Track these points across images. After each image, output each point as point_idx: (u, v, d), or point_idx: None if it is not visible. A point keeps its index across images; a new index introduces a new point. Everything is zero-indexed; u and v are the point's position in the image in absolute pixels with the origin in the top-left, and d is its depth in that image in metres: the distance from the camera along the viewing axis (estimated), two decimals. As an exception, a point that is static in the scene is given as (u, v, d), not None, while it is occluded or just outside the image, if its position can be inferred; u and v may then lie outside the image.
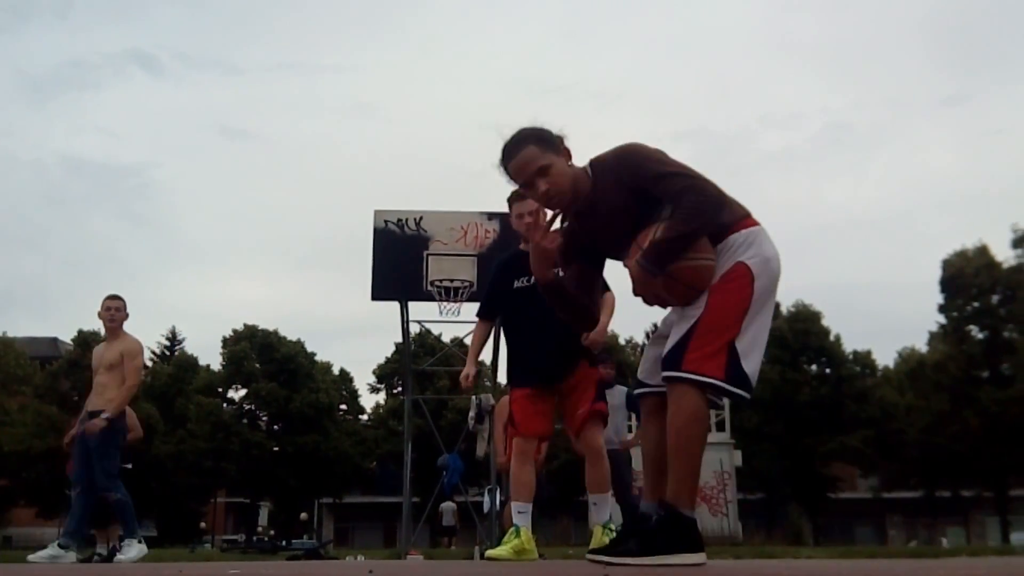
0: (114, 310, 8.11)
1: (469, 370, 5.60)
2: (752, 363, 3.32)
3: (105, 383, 8.03)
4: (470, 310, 12.86)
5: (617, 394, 9.43)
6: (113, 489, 7.76)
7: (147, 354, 54.62)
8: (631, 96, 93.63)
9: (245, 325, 47.31)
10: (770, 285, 3.38)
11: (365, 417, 49.50)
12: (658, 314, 3.67)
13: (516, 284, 5.44)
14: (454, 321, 12.82)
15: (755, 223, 3.44)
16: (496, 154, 3.80)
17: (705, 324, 3.32)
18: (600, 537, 5.42)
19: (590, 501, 5.63)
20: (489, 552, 5.25)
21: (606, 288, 5.34)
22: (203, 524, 49.31)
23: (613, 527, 5.54)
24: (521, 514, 5.30)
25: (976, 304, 38.18)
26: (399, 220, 12.75)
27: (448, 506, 22.62)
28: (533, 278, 5.21)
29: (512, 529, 5.27)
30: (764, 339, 3.38)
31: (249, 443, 43.28)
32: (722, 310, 3.33)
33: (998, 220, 73.11)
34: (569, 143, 3.69)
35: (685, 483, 3.32)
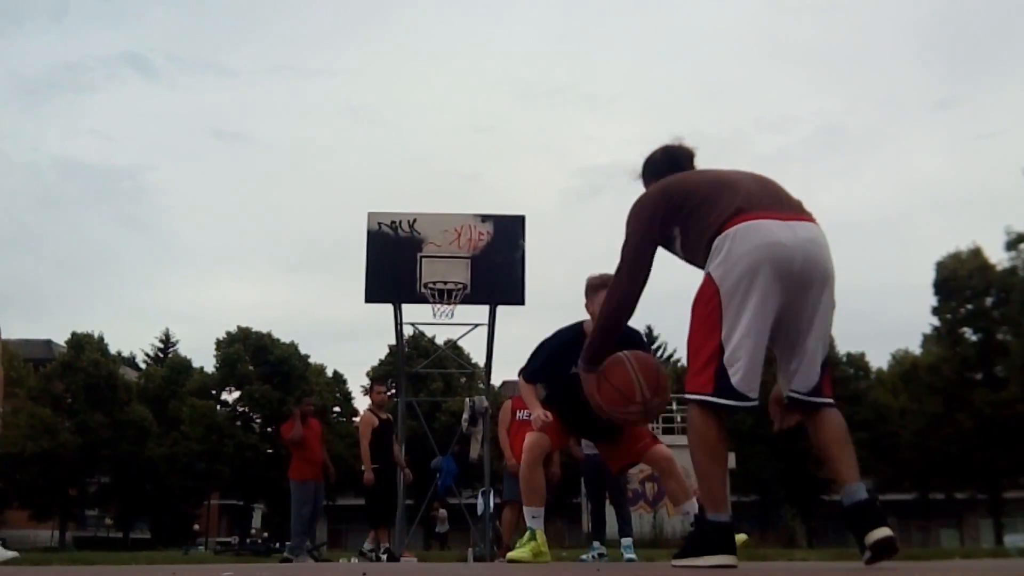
0: None
1: (541, 414, 5.39)
2: (740, 371, 3.36)
3: None
4: (463, 312, 12.88)
5: None
6: None
7: (141, 356, 54.74)
8: (625, 99, 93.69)
9: (239, 327, 47.22)
10: (744, 282, 3.36)
11: (359, 419, 49.32)
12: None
13: (575, 369, 5.39)
14: (448, 323, 12.83)
15: (733, 224, 3.44)
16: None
17: (689, 344, 3.54)
18: None
19: (680, 512, 5.78)
20: (510, 554, 5.38)
21: None
22: (197, 526, 49.29)
23: None
24: (535, 518, 5.43)
25: (970, 306, 38.21)
26: (393, 222, 12.73)
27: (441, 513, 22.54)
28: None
29: (528, 532, 5.39)
30: (754, 341, 3.37)
31: (243, 445, 43.22)
32: (695, 326, 3.50)
33: (991, 222, 73.14)
34: None
35: (703, 489, 3.48)
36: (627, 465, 5.86)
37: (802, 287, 3.43)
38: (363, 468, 11.00)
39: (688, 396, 3.46)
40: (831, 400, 3.65)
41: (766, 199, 3.54)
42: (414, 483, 12.50)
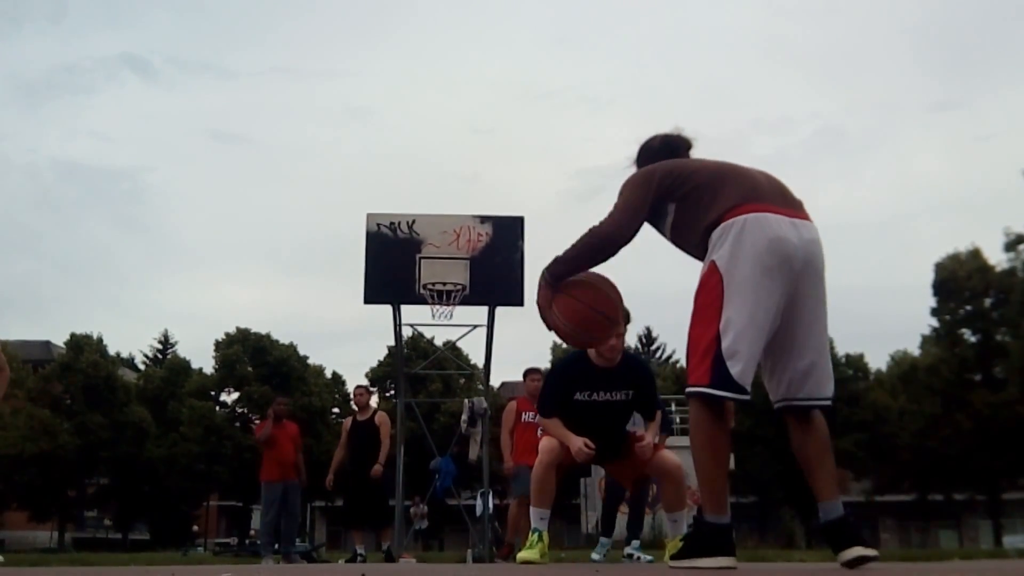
0: None
1: (582, 444, 5.29)
2: (740, 362, 3.28)
3: None
4: (462, 313, 12.86)
5: None
6: None
7: (140, 357, 54.75)
8: (623, 100, 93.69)
9: (238, 328, 47.16)
10: (750, 272, 3.30)
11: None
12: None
13: (577, 396, 5.44)
14: (447, 324, 12.80)
15: (740, 212, 3.40)
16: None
17: (690, 334, 3.44)
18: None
19: (668, 518, 5.80)
20: (520, 555, 5.40)
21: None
22: (196, 527, 49.26)
23: None
24: (543, 519, 5.46)
25: (968, 307, 38.23)
26: (392, 223, 12.72)
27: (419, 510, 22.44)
28: (595, 394, 5.39)
29: (535, 532, 5.40)
30: (756, 335, 3.30)
31: (242, 446, 43.16)
32: (698, 315, 3.42)
33: (990, 223, 73.18)
34: None
35: (703, 490, 3.42)
36: (640, 478, 5.85)
37: (801, 286, 3.39)
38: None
39: (689, 389, 3.39)
40: (829, 400, 3.59)
41: (772, 194, 3.51)
42: (413, 484, 12.46)
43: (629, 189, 3.69)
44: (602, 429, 5.43)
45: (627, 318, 5.36)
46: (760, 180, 3.57)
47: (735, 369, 3.28)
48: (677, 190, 3.60)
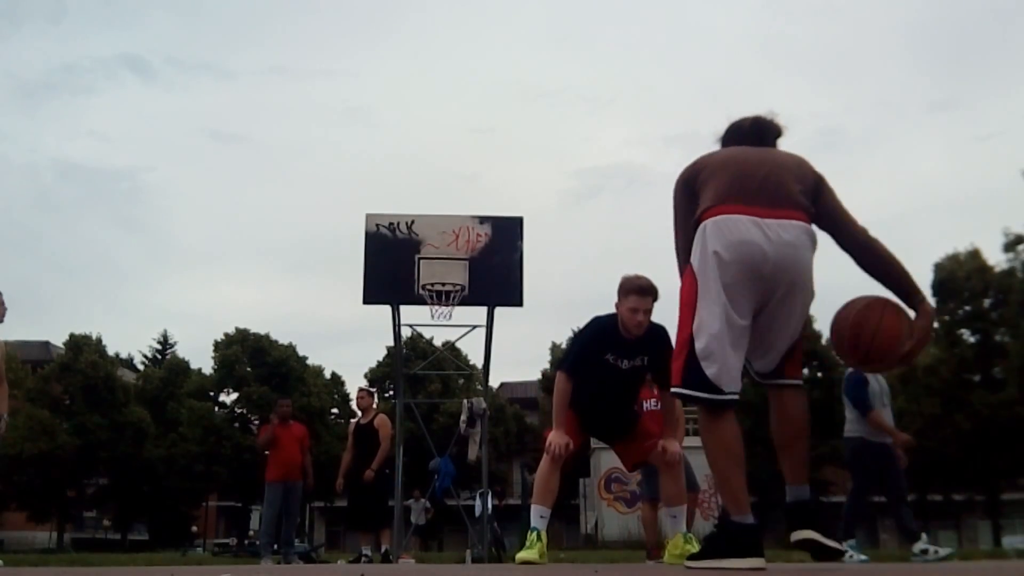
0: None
1: (561, 440, 5.25)
2: (716, 364, 3.28)
3: None
4: (461, 314, 12.85)
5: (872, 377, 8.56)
6: None
7: (139, 358, 54.73)
8: (622, 100, 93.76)
9: (237, 329, 47.15)
10: (716, 277, 3.29)
11: (357, 421, 49.23)
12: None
13: (608, 357, 5.36)
14: (446, 325, 12.79)
15: (711, 214, 3.39)
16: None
17: (677, 337, 3.48)
18: (683, 545, 5.49)
19: (669, 514, 5.73)
20: (519, 555, 5.31)
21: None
22: (195, 528, 49.22)
23: (692, 536, 5.65)
24: (543, 518, 5.43)
25: (968, 308, 38.15)
26: (391, 224, 12.71)
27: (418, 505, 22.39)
28: (621, 360, 5.32)
29: (534, 532, 5.36)
30: (729, 335, 3.28)
31: (241, 447, 43.16)
32: (679, 317, 3.44)
33: (990, 224, 73.11)
34: None
35: (723, 491, 3.40)
36: (639, 463, 5.84)
37: (775, 288, 3.36)
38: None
39: (671, 389, 3.44)
40: (796, 381, 3.57)
41: (754, 189, 3.44)
42: (412, 484, 12.45)
43: (673, 199, 3.70)
44: (620, 393, 5.48)
45: (656, 295, 5.28)
46: (749, 172, 3.51)
47: (710, 371, 3.28)
48: (695, 186, 3.58)
